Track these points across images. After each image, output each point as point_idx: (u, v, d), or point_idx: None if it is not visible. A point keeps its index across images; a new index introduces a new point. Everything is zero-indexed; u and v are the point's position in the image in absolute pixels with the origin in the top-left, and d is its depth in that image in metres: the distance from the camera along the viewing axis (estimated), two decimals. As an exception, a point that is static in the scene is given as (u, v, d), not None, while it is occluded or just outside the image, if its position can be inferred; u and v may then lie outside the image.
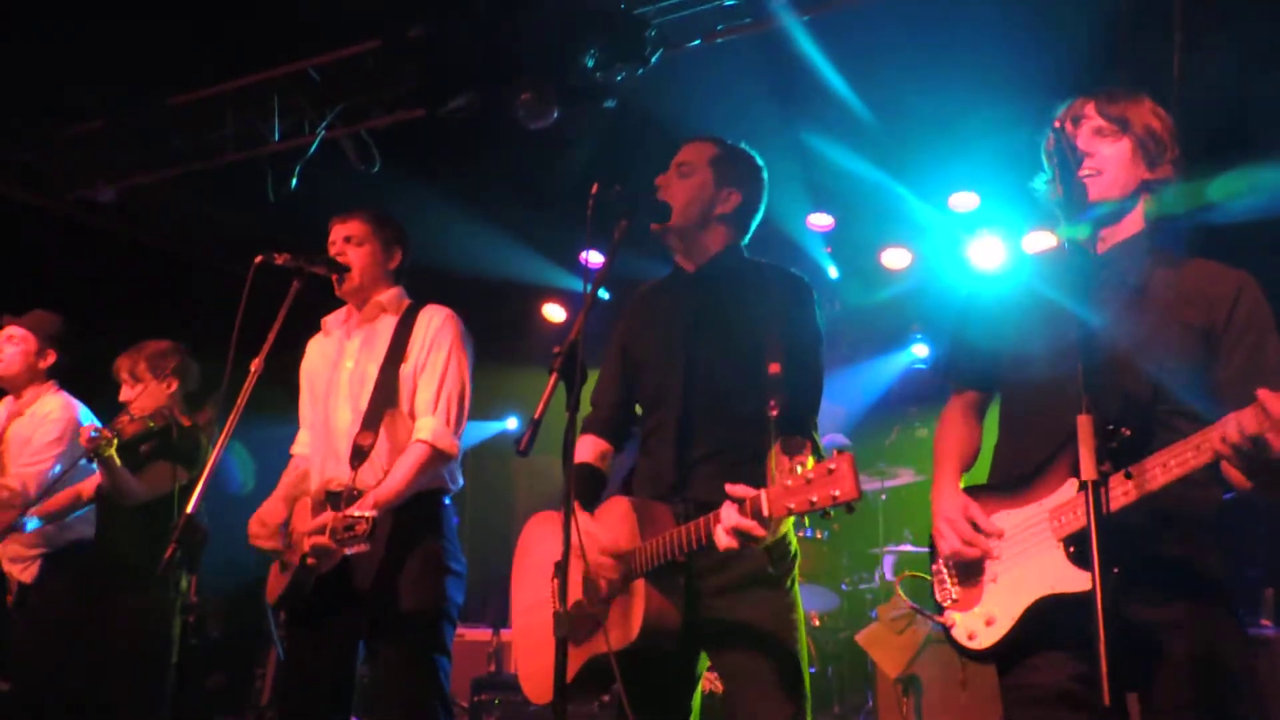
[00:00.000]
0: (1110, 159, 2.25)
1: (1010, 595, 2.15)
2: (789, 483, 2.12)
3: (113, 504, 4.20)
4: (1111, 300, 2.17)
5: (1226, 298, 2.15)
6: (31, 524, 4.29)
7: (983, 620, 2.19)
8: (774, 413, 2.38)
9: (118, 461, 4.00)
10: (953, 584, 2.28)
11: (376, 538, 3.14)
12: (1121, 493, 2.00)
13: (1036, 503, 2.16)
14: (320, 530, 3.01)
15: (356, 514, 2.95)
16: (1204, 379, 2.11)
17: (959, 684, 4.86)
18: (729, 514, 2.24)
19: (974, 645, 2.20)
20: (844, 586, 6.09)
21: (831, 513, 2.10)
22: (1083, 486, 2.02)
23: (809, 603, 5.94)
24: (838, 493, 2.05)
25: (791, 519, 2.42)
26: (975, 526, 2.22)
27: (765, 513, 2.17)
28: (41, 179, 6.46)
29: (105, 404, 4.61)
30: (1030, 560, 2.13)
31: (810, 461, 2.14)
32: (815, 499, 2.08)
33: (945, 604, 2.29)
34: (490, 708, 5.80)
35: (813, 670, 5.70)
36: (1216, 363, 2.13)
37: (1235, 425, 1.85)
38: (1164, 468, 1.95)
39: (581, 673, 2.57)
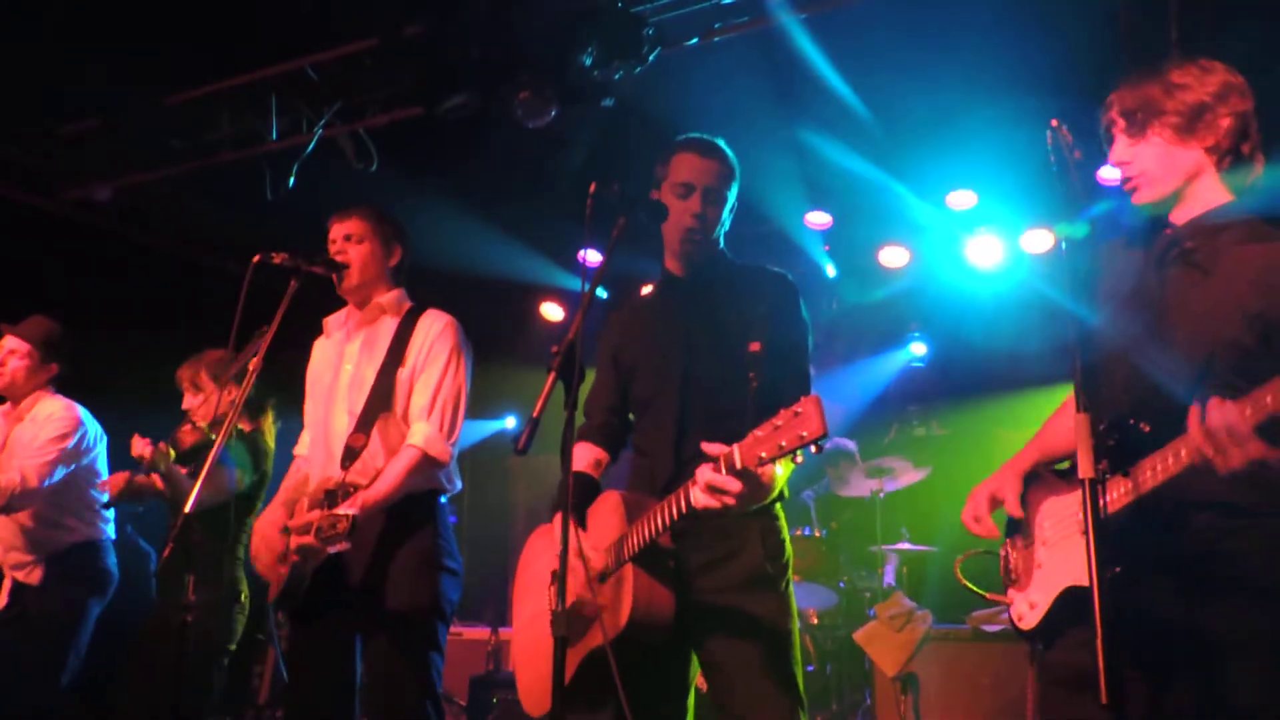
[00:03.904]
0: (1147, 158, 2.20)
1: (1048, 581, 2.21)
2: (759, 434, 2.15)
3: (176, 509, 4.24)
4: (1173, 281, 2.12)
5: None
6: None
7: (1028, 603, 2.27)
8: (754, 384, 2.40)
9: (179, 470, 4.09)
10: (1014, 565, 2.35)
11: (371, 536, 3.16)
12: (1118, 494, 2.00)
13: (1076, 492, 2.14)
14: (306, 529, 3.01)
15: (340, 512, 2.95)
16: (1255, 367, 2.00)
17: (987, 687, 4.79)
18: (703, 472, 2.26)
19: (1021, 626, 2.28)
20: (842, 584, 6.09)
21: (801, 455, 2.10)
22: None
23: (807, 601, 5.94)
24: (805, 433, 2.05)
25: (785, 475, 2.52)
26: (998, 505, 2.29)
27: (739, 466, 2.18)
28: (38, 179, 6.45)
29: (101, 404, 4.62)
30: (1066, 549, 2.18)
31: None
32: (784, 443, 2.09)
33: (1007, 584, 2.37)
34: (488, 706, 5.80)
35: (810, 668, 5.70)
36: (1269, 352, 2.04)
37: (1197, 430, 1.84)
38: (1154, 471, 1.96)
39: (579, 672, 2.57)
